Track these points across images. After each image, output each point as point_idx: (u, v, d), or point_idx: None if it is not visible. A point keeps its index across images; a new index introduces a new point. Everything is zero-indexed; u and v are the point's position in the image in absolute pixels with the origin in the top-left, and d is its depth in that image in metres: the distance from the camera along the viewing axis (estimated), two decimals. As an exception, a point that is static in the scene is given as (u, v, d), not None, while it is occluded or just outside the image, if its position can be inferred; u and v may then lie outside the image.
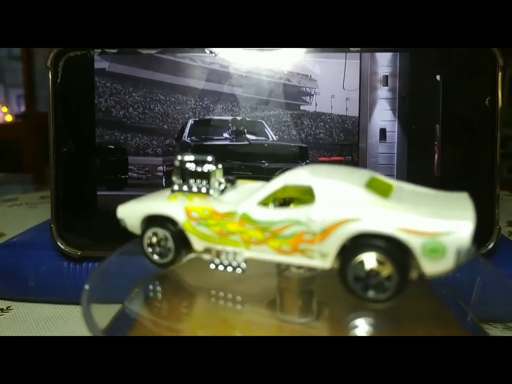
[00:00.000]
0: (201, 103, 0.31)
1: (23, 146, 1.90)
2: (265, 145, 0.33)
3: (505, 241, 0.39)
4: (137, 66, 0.30)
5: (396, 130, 0.30)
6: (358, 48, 0.35)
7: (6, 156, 1.73)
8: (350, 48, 0.35)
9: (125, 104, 0.31)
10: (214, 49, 0.35)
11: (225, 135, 0.34)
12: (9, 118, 2.06)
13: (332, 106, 0.30)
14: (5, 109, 2.05)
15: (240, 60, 0.30)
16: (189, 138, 0.34)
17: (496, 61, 0.35)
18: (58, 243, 0.36)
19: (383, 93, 0.29)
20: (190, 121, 0.34)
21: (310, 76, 0.30)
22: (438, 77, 0.29)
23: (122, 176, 0.32)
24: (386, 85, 0.29)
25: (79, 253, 0.36)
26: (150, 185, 0.31)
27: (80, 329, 0.34)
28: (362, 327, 0.24)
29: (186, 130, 0.34)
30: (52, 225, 0.36)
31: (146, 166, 0.31)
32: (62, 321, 0.36)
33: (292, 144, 0.33)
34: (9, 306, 0.38)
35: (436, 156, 0.30)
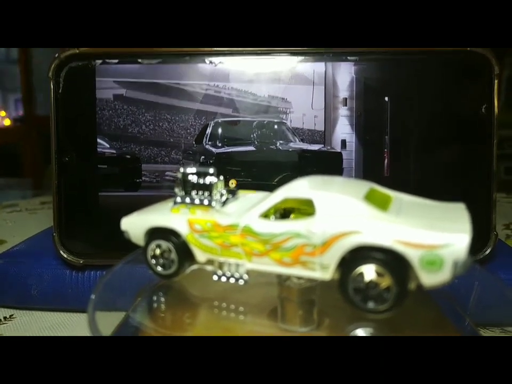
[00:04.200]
0: (199, 121, 0.36)
1: (21, 150, 1.89)
2: (296, 151, 0.37)
3: (503, 246, 0.40)
4: (148, 92, 0.36)
5: (354, 141, 0.37)
6: (356, 58, 0.36)
7: (5, 160, 1.72)
8: (348, 57, 0.36)
9: (139, 122, 0.37)
10: (213, 59, 0.36)
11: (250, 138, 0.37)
12: (7, 122, 2.05)
13: (303, 122, 0.37)
14: (3, 113, 2.04)
15: (231, 86, 0.36)
16: (209, 143, 0.37)
17: (492, 68, 0.35)
18: (61, 252, 0.36)
19: (343, 111, 0.36)
20: (211, 123, 0.37)
21: (286, 98, 0.36)
22: (386, 98, 0.36)
23: (137, 180, 0.37)
24: (346, 105, 0.36)
25: (81, 262, 0.36)
26: (160, 187, 0.37)
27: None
28: (362, 335, 0.24)
29: (208, 133, 0.37)
30: (54, 234, 0.36)
31: (157, 171, 0.37)
32: (65, 329, 0.36)
33: (325, 150, 0.37)
34: (12, 315, 0.38)
35: (386, 160, 0.36)
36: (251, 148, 0.37)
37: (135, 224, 0.26)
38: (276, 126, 0.37)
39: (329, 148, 0.37)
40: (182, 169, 0.26)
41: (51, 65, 0.35)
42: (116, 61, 0.35)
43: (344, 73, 0.36)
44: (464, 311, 0.28)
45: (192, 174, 0.26)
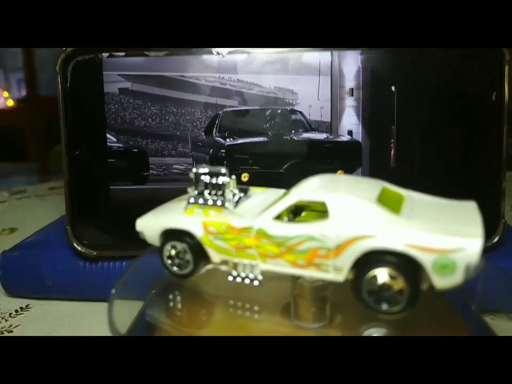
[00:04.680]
0: (205, 114, 0.36)
1: (25, 133, 1.85)
2: (312, 141, 0.37)
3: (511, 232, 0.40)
4: (154, 85, 0.36)
5: (360, 132, 0.36)
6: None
7: (9, 143, 1.70)
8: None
9: (145, 116, 0.36)
10: (220, 50, 0.36)
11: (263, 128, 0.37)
12: (10, 103, 2.01)
13: (309, 114, 0.37)
14: (5, 94, 2.00)
15: (237, 78, 0.36)
16: (219, 134, 0.37)
17: (503, 55, 0.35)
18: (74, 244, 0.37)
19: (349, 102, 0.36)
20: (221, 114, 0.36)
21: (292, 90, 0.36)
22: (393, 88, 0.35)
23: (145, 174, 0.37)
24: (352, 96, 0.36)
25: (94, 253, 0.37)
26: (167, 180, 0.37)
27: (97, 326, 0.35)
28: (374, 332, 0.25)
29: (217, 124, 0.37)
30: (67, 227, 0.37)
31: (163, 165, 0.37)
32: (80, 318, 0.37)
33: (343, 140, 0.36)
34: (28, 305, 0.39)
35: (392, 151, 0.36)
36: (263, 139, 0.37)
37: (150, 226, 0.27)
38: (290, 115, 0.37)
39: (346, 137, 0.37)
40: (194, 169, 0.26)
41: (58, 58, 0.35)
42: (123, 54, 0.35)
43: (351, 63, 0.36)
44: (471, 298, 0.29)
45: (205, 174, 0.26)
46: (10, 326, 0.35)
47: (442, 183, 0.36)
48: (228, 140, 0.37)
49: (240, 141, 0.37)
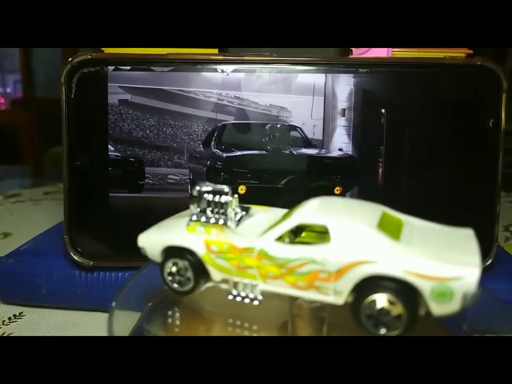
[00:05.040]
0: (202, 127, 0.37)
1: (20, 134, 1.83)
2: (310, 157, 0.37)
3: (504, 254, 0.40)
4: (153, 98, 0.37)
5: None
6: (367, 70, 0.36)
7: (3, 145, 1.67)
8: (359, 70, 0.36)
9: (143, 127, 0.37)
10: (224, 68, 0.36)
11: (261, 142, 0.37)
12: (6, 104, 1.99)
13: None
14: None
15: (234, 95, 0.37)
16: (217, 147, 0.38)
17: (501, 83, 0.36)
18: (71, 254, 0.37)
19: (341, 122, 0.37)
20: (219, 126, 0.37)
21: (286, 107, 0.37)
22: (382, 110, 0.37)
23: (140, 182, 0.38)
24: (344, 116, 0.37)
25: (91, 263, 0.37)
26: (162, 189, 0.38)
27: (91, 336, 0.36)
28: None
29: (216, 136, 0.37)
30: (65, 236, 0.37)
31: (159, 174, 0.38)
32: (75, 327, 0.37)
33: (340, 156, 0.37)
34: (22, 312, 0.39)
35: (380, 170, 0.38)
36: (262, 152, 0.38)
37: (152, 242, 0.27)
38: (289, 130, 0.38)
39: (344, 153, 0.37)
40: (198, 187, 0.26)
41: (63, 70, 0.35)
42: (128, 68, 0.35)
43: (343, 85, 0.37)
44: (462, 318, 0.29)
45: (208, 192, 0.26)
46: (3, 333, 0.35)
47: (441, 206, 0.37)
48: (226, 152, 0.38)
49: (239, 153, 0.38)
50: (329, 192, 0.38)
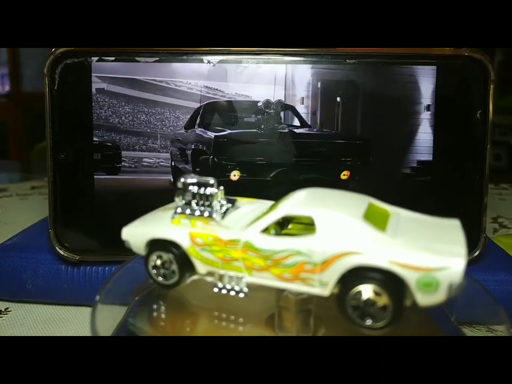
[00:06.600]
0: (173, 114, 0.38)
1: (8, 129, 1.81)
2: (315, 136, 0.38)
3: (491, 246, 0.41)
4: (127, 87, 0.37)
5: None
6: (355, 61, 0.36)
7: None
8: (347, 60, 0.36)
9: (119, 114, 0.37)
10: (211, 59, 0.36)
11: (251, 120, 0.37)
12: None
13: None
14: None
15: (203, 84, 0.37)
16: (202, 127, 0.37)
17: (488, 74, 0.36)
18: (57, 248, 0.36)
19: (300, 109, 0.38)
20: (203, 106, 0.37)
21: (250, 96, 0.37)
22: (338, 98, 0.38)
23: (117, 165, 0.38)
24: (303, 103, 0.38)
25: (77, 258, 0.37)
26: (138, 171, 0.38)
27: (78, 331, 0.35)
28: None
29: (200, 117, 0.37)
30: (50, 230, 0.36)
31: (135, 158, 0.38)
32: (61, 323, 0.36)
33: (349, 135, 0.38)
34: (7, 308, 0.38)
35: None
36: (254, 131, 0.37)
37: (136, 235, 0.27)
38: (284, 109, 0.37)
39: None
40: (182, 179, 0.26)
41: (46, 61, 0.34)
42: (113, 58, 0.35)
43: (302, 76, 0.37)
44: (449, 310, 0.29)
45: (193, 184, 0.26)
46: (-12, 330, 0.35)
47: (425, 197, 0.37)
48: (214, 131, 0.37)
49: (229, 131, 0.37)
50: (330, 171, 0.38)
